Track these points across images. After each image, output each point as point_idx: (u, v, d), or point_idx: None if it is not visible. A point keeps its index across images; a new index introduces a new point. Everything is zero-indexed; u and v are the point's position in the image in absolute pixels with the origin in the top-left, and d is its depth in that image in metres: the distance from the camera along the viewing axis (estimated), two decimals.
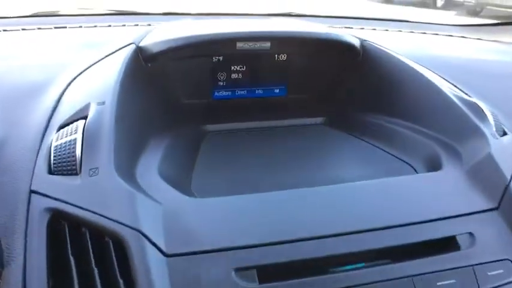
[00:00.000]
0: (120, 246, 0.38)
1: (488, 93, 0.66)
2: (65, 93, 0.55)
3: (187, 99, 0.68)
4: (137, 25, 0.96)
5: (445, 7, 6.01)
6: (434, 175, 0.51)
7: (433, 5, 6.09)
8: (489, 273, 0.41)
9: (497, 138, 0.52)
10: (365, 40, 0.70)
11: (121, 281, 0.36)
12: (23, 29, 0.88)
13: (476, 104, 0.56)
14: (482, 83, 0.72)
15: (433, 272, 0.40)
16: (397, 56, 0.67)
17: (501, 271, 0.42)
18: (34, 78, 0.61)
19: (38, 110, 0.53)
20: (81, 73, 0.59)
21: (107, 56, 0.62)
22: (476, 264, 0.42)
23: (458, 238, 0.43)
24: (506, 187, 0.47)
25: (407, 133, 0.60)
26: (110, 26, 0.95)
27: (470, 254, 0.42)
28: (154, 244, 0.38)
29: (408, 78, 0.63)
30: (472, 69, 0.78)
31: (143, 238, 0.38)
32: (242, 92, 0.70)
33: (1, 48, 0.78)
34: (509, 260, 0.43)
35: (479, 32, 1.10)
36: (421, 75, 0.63)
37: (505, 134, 0.55)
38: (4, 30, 0.87)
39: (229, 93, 0.70)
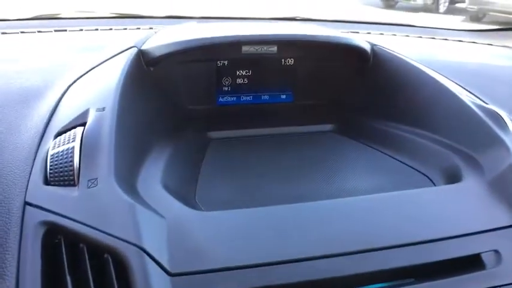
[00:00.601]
0: (121, 264, 0.35)
1: (503, 99, 0.64)
2: (63, 98, 0.53)
3: (190, 104, 0.66)
4: (139, 28, 0.95)
5: (447, 13, 6.03)
6: (454, 187, 0.49)
7: (436, 11, 6.12)
8: None
9: None
10: (375, 44, 0.68)
11: None
12: (22, 32, 0.86)
13: (496, 111, 0.54)
14: (497, 89, 0.69)
15: None
16: (409, 60, 0.64)
17: None
18: (32, 83, 0.59)
19: (35, 115, 0.51)
20: (80, 77, 0.57)
21: (107, 60, 0.60)
22: (504, 285, 0.39)
23: (483, 256, 0.41)
24: None
25: (423, 142, 0.57)
26: (111, 29, 0.94)
27: (497, 274, 0.40)
28: (157, 262, 0.36)
29: (422, 84, 0.61)
30: (486, 75, 0.76)
31: (145, 256, 0.35)
32: (247, 98, 0.68)
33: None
34: None
35: (490, 38, 1.08)
36: (435, 80, 0.60)
37: None
38: (3, 33, 0.85)
39: (234, 98, 0.67)
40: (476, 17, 5.61)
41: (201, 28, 0.72)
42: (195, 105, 0.66)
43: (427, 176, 0.54)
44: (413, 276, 0.39)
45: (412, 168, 0.56)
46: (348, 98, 0.69)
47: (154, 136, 0.54)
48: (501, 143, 0.50)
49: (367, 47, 0.66)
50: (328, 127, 0.67)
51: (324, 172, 0.56)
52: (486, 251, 0.41)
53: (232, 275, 0.36)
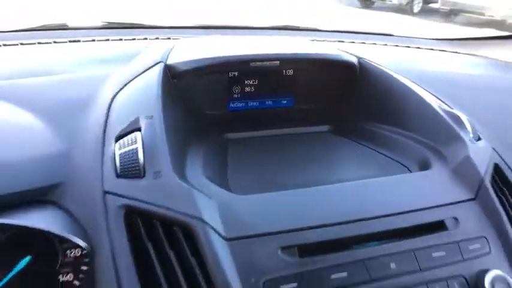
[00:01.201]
0: (188, 233, 0.46)
1: (466, 104, 0.78)
2: (112, 108, 0.62)
3: (208, 110, 0.75)
4: (146, 38, 1.03)
5: (421, 13, 6.27)
6: (425, 173, 0.62)
7: (410, 12, 6.34)
8: (470, 247, 0.54)
9: (473, 143, 0.63)
10: (361, 58, 0.79)
11: (193, 259, 0.45)
12: (39, 43, 0.92)
13: (457, 115, 0.67)
14: (460, 94, 0.83)
15: (428, 247, 0.52)
16: (389, 72, 0.76)
17: (479, 245, 0.54)
18: (76, 93, 0.67)
19: (90, 122, 0.60)
20: (121, 89, 0.66)
21: (141, 74, 0.69)
22: (460, 241, 0.54)
23: (446, 221, 0.55)
24: (481, 182, 0.59)
25: (402, 139, 0.70)
26: (121, 39, 1.01)
27: (456, 233, 0.54)
28: (215, 230, 0.47)
29: (400, 92, 0.73)
30: (452, 82, 0.89)
31: (206, 225, 0.46)
32: (254, 103, 0.77)
33: (25, 63, 0.83)
34: (484, 237, 0.55)
35: (457, 46, 1.23)
36: (410, 89, 0.72)
37: (479, 139, 0.66)
38: (21, 44, 0.91)
39: (243, 104, 0.77)
40: (448, 17, 5.86)
41: (215, 43, 0.82)
42: (211, 110, 0.75)
43: (405, 166, 0.67)
44: (397, 236, 0.53)
45: (393, 160, 0.69)
46: (340, 102, 0.80)
47: (186, 138, 0.64)
48: (460, 139, 0.63)
49: (355, 61, 0.77)
50: (325, 128, 0.78)
51: (324, 164, 0.69)
52: (448, 218, 0.55)
53: (271, 237, 0.48)
